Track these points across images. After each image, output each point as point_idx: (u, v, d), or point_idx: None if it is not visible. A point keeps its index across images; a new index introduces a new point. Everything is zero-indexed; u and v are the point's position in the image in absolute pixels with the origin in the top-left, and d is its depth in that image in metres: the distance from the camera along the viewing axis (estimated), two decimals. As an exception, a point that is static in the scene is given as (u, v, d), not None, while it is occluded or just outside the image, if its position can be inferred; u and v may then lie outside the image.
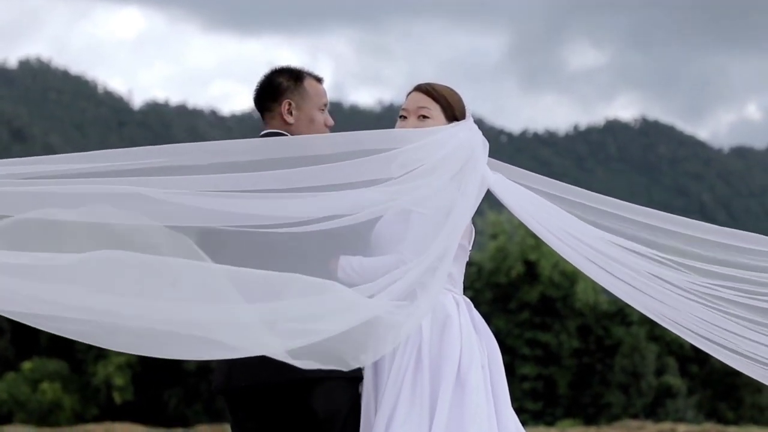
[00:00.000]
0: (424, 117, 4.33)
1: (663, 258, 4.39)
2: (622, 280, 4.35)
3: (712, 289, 4.40)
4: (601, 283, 4.40)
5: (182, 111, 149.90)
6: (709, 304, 4.40)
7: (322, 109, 4.46)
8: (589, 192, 4.43)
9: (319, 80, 4.49)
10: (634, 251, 4.36)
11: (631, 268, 4.33)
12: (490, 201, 4.37)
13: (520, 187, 4.37)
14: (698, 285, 4.39)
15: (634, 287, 4.36)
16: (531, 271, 39.85)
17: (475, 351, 4.15)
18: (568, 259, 4.35)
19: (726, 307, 4.42)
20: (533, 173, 4.43)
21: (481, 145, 4.32)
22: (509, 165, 4.45)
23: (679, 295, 4.36)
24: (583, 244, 4.32)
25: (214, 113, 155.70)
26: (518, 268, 39.69)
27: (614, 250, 4.34)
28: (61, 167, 3.84)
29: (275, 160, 3.92)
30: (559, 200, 4.38)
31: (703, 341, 4.44)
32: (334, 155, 3.99)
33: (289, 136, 4.27)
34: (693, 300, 4.38)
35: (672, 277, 4.37)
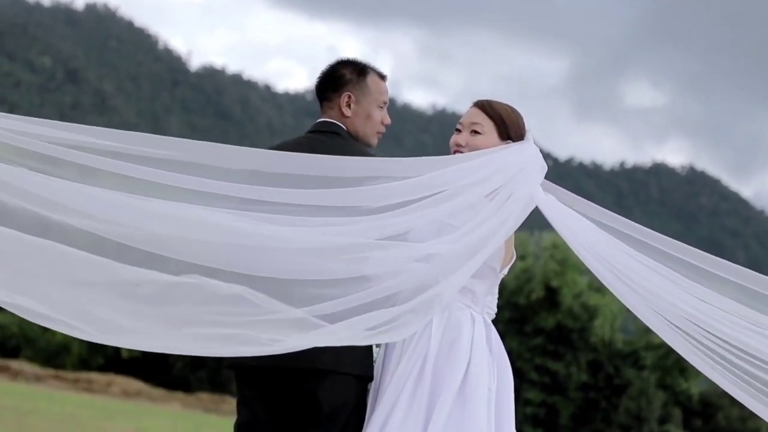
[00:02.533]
0: (476, 132, 4.32)
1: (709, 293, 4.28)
2: (662, 316, 4.29)
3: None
4: (639, 315, 4.31)
5: (237, 80, 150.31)
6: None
7: (381, 107, 4.43)
8: (642, 227, 4.32)
9: (382, 77, 4.46)
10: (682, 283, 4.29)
11: (673, 302, 4.27)
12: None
13: (570, 210, 4.29)
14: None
15: (670, 323, 4.30)
16: (551, 297, 39.71)
17: (483, 371, 4.13)
18: (609, 287, 4.28)
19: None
20: (585, 200, 4.33)
21: (537, 169, 4.26)
22: (565, 190, 4.34)
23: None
24: (625, 273, 4.26)
25: (268, 88, 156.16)
26: (539, 292, 39.55)
27: (660, 281, 4.28)
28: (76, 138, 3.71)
29: (301, 176, 3.85)
30: (608, 229, 4.28)
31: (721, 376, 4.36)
32: (359, 179, 3.92)
33: (320, 156, 4.06)
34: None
35: (716, 301, 4.29)
